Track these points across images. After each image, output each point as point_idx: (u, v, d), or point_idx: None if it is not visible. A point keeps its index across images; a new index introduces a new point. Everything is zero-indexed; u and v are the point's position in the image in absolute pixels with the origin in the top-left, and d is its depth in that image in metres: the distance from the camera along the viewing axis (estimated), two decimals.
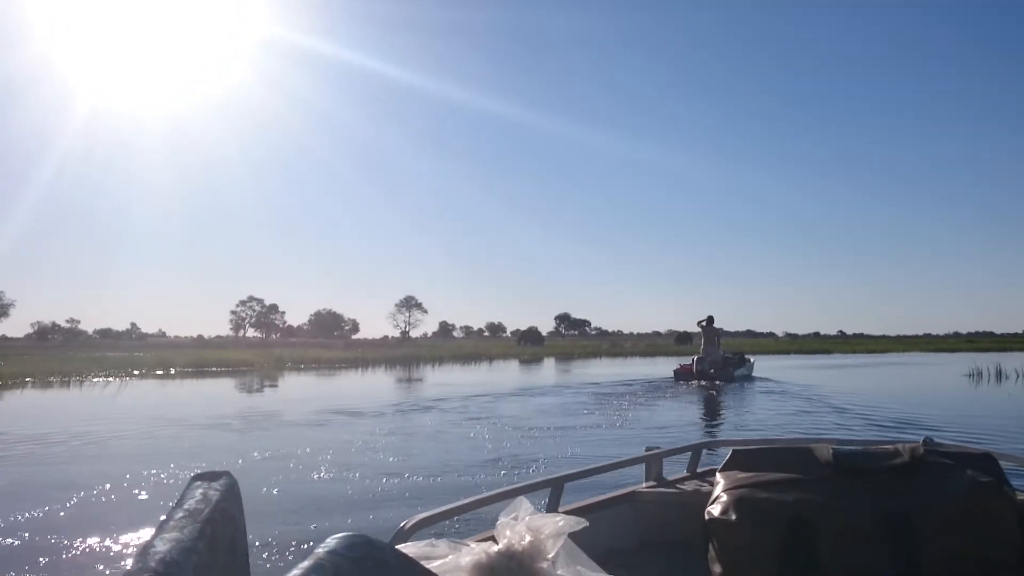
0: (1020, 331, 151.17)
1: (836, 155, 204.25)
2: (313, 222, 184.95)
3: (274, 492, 7.12)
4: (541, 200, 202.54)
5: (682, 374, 23.36)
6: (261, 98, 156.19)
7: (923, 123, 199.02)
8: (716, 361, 23.27)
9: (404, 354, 46.64)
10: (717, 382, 21.85)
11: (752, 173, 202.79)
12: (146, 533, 1.12)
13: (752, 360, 26.81)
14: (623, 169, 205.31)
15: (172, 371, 31.91)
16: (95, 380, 26.48)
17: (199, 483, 1.04)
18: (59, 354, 46.16)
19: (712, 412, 15.50)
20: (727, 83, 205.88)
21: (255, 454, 9.43)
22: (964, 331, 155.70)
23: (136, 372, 31.06)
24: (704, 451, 3.07)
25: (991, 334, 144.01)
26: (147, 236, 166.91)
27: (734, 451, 2.24)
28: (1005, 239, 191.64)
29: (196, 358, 36.34)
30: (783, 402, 16.54)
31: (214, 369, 33.25)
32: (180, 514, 0.95)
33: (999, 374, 24.12)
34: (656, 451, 2.89)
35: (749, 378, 24.57)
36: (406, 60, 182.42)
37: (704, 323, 24.69)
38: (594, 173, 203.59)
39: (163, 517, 0.95)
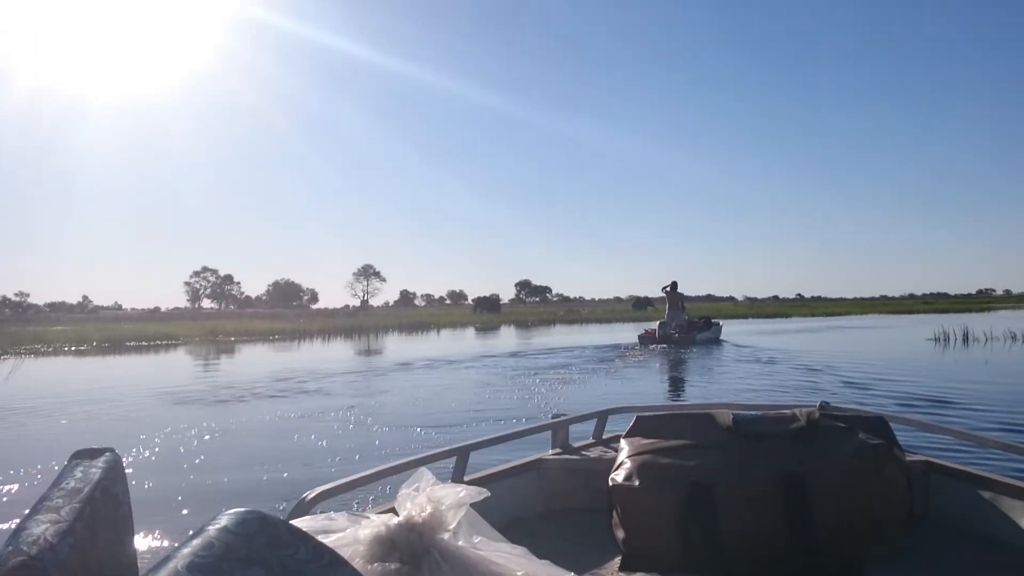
0: (973, 292, 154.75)
1: (790, 123, 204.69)
2: (272, 193, 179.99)
3: None
4: (502, 170, 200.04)
5: (646, 338, 23.61)
6: (218, 70, 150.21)
7: (875, 90, 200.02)
8: (681, 325, 23.49)
9: (348, 324, 44.29)
10: (682, 350, 21.11)
11: (711, 143, 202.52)
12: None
13: (720, 324, 26.27)
14: (585, 143, 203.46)
15: (85, 347, 29.30)
16: None
17: (78, 461, 0.99)
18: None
19: (670, 385, 13.77)
20: (683, 60, 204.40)
21: None
22: (919, 292, 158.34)
23: (47, 348, 28.41)
24: (610, 417, 2.94)
25: (945, 295, 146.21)
26: (101, 208, 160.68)
27: (638, 417, 2.28)
28: (957, 203, 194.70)
29: (114, 332, 33.67)
30: (780, 373, 14.72)
31: (131, 344, 30.66)
32: (57, 494, 0.91)
33: (966, 338, 22.81)
34: (562, 418, 2.82)
35: (716, 342, 24.01)
36: (364, 36, 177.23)
37: (668, 288, 24.76)
38: (557, 148, 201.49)
39: (39, 497, 0.90)
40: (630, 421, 2.28)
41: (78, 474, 0.95)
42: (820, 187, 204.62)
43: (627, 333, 32.38)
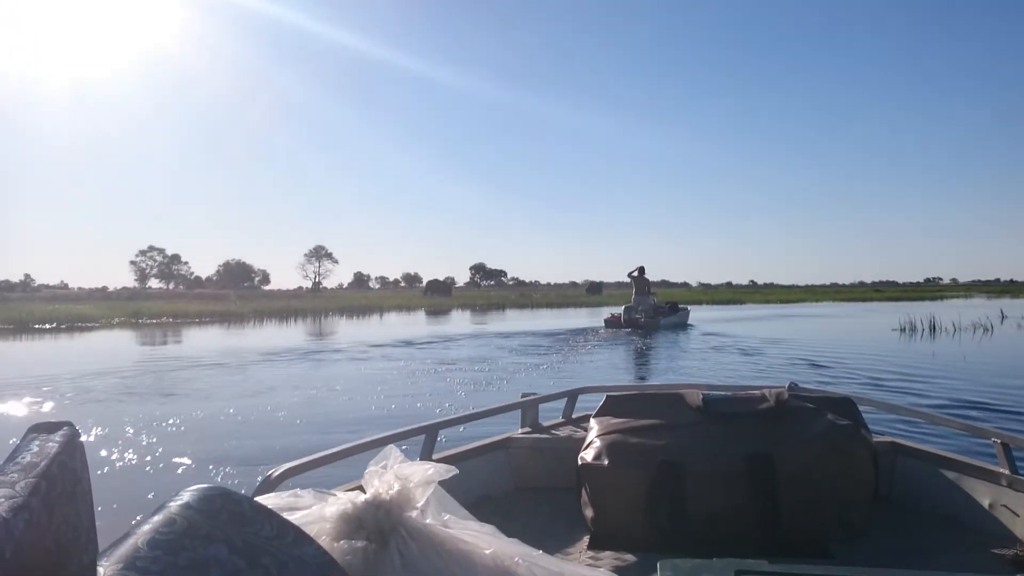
0: (920, 280, 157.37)
1: (744, 111, 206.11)
2: (225, 171, 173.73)
3: None
4: (461, 153, 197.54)
5: (612, 322, 23.81)
6: (170, 45, 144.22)
7: (828, 77, 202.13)
8: (647, 309, 23.51)
9: (286, 307, 41.88)
10: (648, 334, 21.04)
11: (665, 130, 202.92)
12: None
13: (687, 309, 26.68)
14: (543, 125, 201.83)
15: None
16: None
17: (35, 435, 0.95)
18: None
19: (637, 368, 12.03)
20: (644, 44, 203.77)
21: None
22: (868, 280, 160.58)
23: None
24: (580, 397, 2.93)
25: (894, 283, 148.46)
26: (48, 184, 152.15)
27: (607, 397, 2.29)
28: (904, 194, 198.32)
29: (20, 314, 30.88)
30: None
31: (38, 327, 27.95)
32: (13, 468, 0.87)
33: (933, 328, 21.71)
34: (532, 397, 2.80)
35: (683, 327, 24.12)
36: (322, 10, 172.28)
37: (635, 273, 25.01)
38: (518, 132, 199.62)
39: None
40: (600, 400, 2.30)
41: (35, 448, 0.90)
42: (772, 176, 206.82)
43: (580, 318, 30.96)
